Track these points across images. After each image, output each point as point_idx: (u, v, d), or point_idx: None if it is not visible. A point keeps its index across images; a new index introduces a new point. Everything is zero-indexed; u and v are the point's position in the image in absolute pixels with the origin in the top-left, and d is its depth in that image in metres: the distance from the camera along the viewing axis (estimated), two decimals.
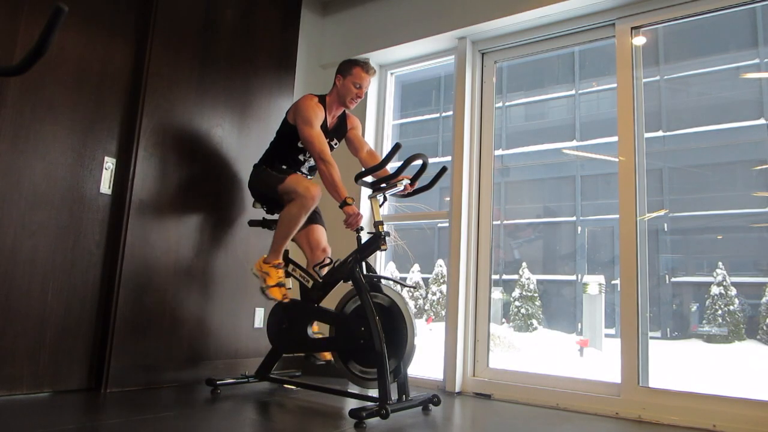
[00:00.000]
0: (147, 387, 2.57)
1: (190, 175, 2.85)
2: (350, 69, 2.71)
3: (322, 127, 2.66)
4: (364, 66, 2.71)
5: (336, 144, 2.86)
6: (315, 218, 2.82)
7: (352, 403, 2.36)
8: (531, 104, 10.43)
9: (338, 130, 2.85)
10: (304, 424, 2.19)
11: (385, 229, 2.42)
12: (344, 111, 2.84)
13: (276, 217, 2.83)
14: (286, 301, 2.59)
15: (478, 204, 3.12)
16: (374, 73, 2.76)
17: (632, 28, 2.78)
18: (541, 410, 2.56)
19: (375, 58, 3.60)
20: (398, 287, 2.59)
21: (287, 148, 2.75)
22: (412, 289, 7.54)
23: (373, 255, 2.65)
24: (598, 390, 2.59)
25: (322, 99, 2.73)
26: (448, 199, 3.13)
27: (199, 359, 2.82)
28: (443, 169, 2.54)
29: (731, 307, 7.17)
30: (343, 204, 2.46)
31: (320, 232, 2.84)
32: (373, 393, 2.24)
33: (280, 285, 2.61)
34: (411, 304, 2.41)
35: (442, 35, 3.27)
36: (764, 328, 7.13)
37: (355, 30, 3.68)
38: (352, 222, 2.48)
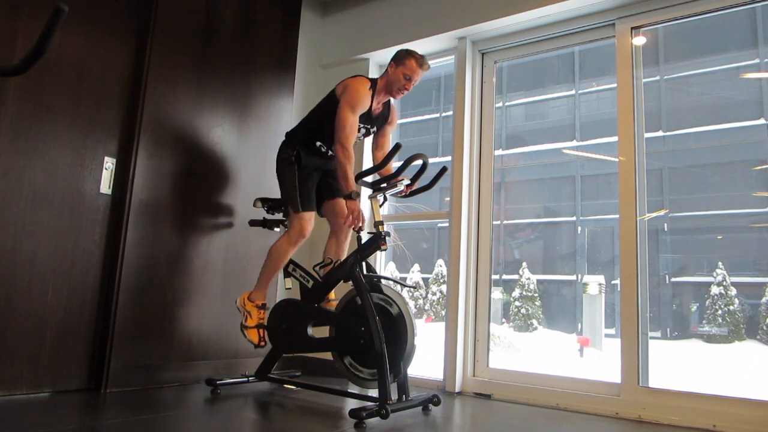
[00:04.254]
0: (147, 387, 2.57)
1: (190, 175, 2.85)
2: (404, 59, 2.61)
3: (365, 114, 2.62)
4: (419, 60, 2.61)
5: (374, 130, 2.80)
6: (337, 192, 2.73)
7: (352, 403, 2.36)
8: (531, 104, 10.44)
9: (380, 118, 2.77)
10: (304, 424, 2.19)
11: (385, 229, 2.42)
12: (390, 99, 2.76)
13: (277, 216, 2.84)
14: (262, 345, 2.60)
15: (478, 204, 3.12)
16: (428, 69, 2.67)
17: (632, 28, 2.78)
18: (541, 410, 2.56)
19: (375, 58, 3.60)
20: (398, 287, 2.59)
21: (329, 124, 2.59)
22: (412, 289, 7.54)
23: (373, 255, 2.65)
24: (598, 390, 2.59)
25: (373, 84, 2.65)
26: (448, 199, 3.13)
27: (199, 359, 2.82)
28: (443, 169, 2.54)
29: (731, 307, 7.17)
30: (350, 196, 2.42)
31: (344, 204, 2.71)
32: (373, 393, 2.24)
33: (259, 327, 2.62)
34: (411, 304, 2.41)
35: (442, 35, 3.27)
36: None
37: (355, 30, 3.68)
38: (354, 218, 2.44)
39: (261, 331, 2.62)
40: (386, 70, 2.67)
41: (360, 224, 2.47)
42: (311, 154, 2.71)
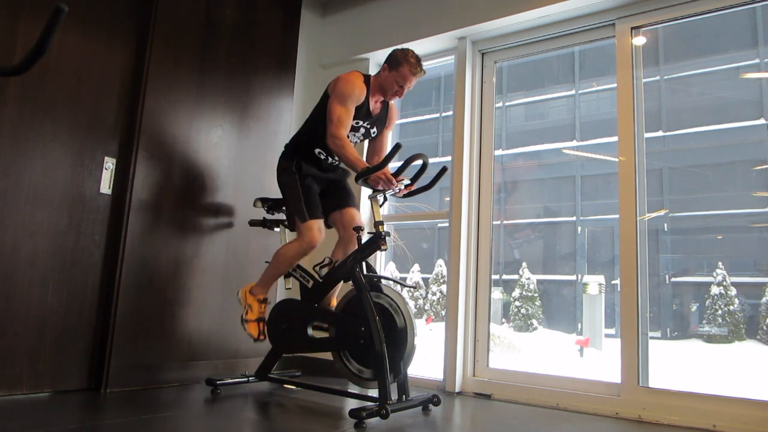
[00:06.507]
0: (147, 387, 2.57)
1: (190, 175, 2.85)
2: (398, 65, 2.51)
3: (363, 110, 2.55)
4: (413, 68, 2.51)
5: (375, 133, 2.72)
6: (349, 201, 2.73)
7: (352, 403, 2.36)
8: (531, 104, 10.44)
9: (379, 120, 2.71)
10: (304, 424, 2.19)
11: (385, 229, 2.42)
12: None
13: (277, 216, 2.84)
14: (261, 339, 2.59)
15: (478, 204, 3.12)
16: (423, 75, 2.57)
17: (632, 28, 2.78)
18: (541, 410, 2.56)
19: (375, 58, 3.60)
20: (398, 287, 2.59)
21: (324, 125, 2.51)
22: (412, 289, 7.54)
23: (373, 255, 2.65)
24: (598, 390, 2.59)
25: (367, 79, 2.57)
26: (448, 199, 3.13)
27: (199, 359, 2.82)
28: (443, 169, 2.54)
29: (731, 307, 7.18)
30: (364, 173, 2.35)
31: (354, 213, 2.74)
32: (373, 393, 2.24)
33: (259, 320, 2.62)
34: (411, 304, 2.41)
35: (442, 35, 3.27)
36: (764, 328, 7.13)
37: (355, 30, 3.68)
38: (386, 181, 2.35)
39: (261, 324, 2.61)
40: (380, 71, 2.61)
41: (394, 183, 2.38)
42: (311, 166, 2.65)
